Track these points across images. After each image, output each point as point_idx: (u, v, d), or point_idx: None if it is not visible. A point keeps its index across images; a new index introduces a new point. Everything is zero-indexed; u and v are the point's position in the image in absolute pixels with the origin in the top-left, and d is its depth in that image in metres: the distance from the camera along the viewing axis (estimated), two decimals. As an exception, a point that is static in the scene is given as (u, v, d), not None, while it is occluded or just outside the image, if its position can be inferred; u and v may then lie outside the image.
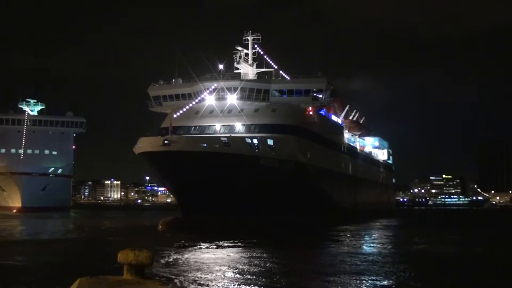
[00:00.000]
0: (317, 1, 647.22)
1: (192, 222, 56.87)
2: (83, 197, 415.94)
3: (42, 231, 59.68)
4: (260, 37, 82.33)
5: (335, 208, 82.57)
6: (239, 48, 79.74)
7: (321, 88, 76.72)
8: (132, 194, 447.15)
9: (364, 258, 34.08)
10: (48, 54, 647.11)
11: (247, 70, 79.63)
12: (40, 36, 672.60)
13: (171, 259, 31.47)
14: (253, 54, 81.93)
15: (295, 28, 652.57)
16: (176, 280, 23.68)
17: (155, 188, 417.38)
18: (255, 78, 79.05)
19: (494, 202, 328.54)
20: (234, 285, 22.85)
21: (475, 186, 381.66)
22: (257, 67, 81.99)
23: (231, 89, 73.19)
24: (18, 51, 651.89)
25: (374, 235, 58.91)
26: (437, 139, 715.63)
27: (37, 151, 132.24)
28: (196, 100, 73.56)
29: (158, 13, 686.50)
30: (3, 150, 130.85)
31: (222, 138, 62.37)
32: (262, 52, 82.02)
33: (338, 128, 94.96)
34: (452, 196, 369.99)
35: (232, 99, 73.02)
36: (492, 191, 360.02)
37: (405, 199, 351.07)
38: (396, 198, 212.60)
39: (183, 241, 43.19)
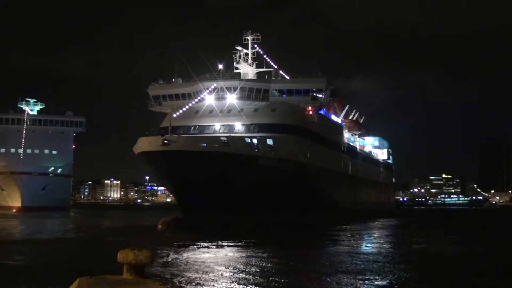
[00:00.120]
0: (317, 1, 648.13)
1: (192, 222, 56.88)
2: (82, 196, 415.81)
3: (41, 231, 59.64)
4: (259, 37, 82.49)
5: (335, 207, 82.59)
6: (239, 48, 79.78)
7: (321, 87, 76.72)
8: (132, 193, 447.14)
9: (364, 258, 34.08)
10: (48, 54, 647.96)
11: (247, 70, 79.64)
12: (40, 36, 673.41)
13: (170, 259, 31.46)
14: (253, 54, 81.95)
15: (295, 28, 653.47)
16: (175, 280, 23.67)
17: (155, 187, 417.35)
18: (255, 78, 79.05)
19: (494, 202, 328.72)
20: (234, 285, 22.83)
21: (475, 185, 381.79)
22: (257, 67, 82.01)
23: (230, 89, 73.19)
24: (18, 51, 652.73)
25: (374, 235, 58.92)
26: (437, 139, 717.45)
27: (36, 151, 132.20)
28: (196, 100, 73.57)
29: (158, 13, 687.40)
30: (2, 150, 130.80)
31: (221, 138, 62.36)
32: (261, 52, 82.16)
33: (338, 128, 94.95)
34: (452, 196, 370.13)
35: (232, 98, 73.02)
36: (492, 191, 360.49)
37: (405, 199, 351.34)
38: (396, 197, 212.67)
39: (182, 241, 43.18)
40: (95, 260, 30.18)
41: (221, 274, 25.77)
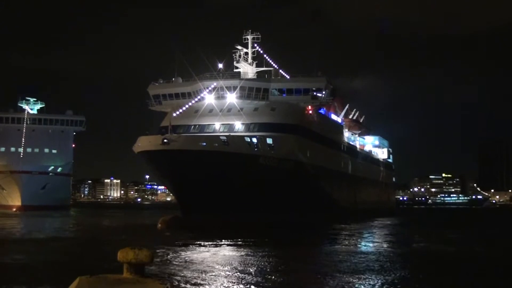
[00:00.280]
0: (317, 1, 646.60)
1: (192, 221, 56.90)
2: (82, 195, 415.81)
3: (41, 230, 59.67)
4: (259, 36, 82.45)
5: (335, 207, 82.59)
6: (239, 47, 79.74)
7: (321, 87, 76.72)
8: (132, 192, 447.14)
9: (364, 257, 34.07)
10: (48, 54, 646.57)
11: (247, 69, 79.63)
12: (40, 36, 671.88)
13: (170, 258, 31.47)
14: (253, 53, 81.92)
15: (295, 28, 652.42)
16: (175, 279, 23.68)
17: (155, 186, 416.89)
18: (255, 77, 79.03)
19: (493, 201, 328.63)
20: (233, 285, 22.84)
21: (475, 185, 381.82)
22: (257, 66, 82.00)
23: (230, 88, 73.17)
24: (18, 51, 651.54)
25: (374, 234, 58.89)
26: (437, 138, 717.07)
27: (36, 150, 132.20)
28: (196, 99, 73.55)
29: (158, 13, 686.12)
30: (2, 149, 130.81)
31: (221, 137, 62.36)
32: (261, 51, 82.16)
33: (338, 127, 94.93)
34: (451, 195, 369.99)
35: (232, 98, 73.00)
36: (492, 190, 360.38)
37: (405, 198, 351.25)
38: (396, 197, 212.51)
39: (182, 240, 43.20)
40: (95, 259, 30.19)
41: (221, 274, 25.77)
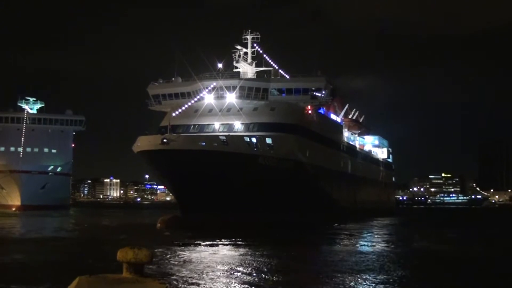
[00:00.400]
0: (317, 1, 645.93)
1: (191, 221, 56.89)
2: (82, 195, 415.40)
3: (41, 229, 59.64)
4: (259, 36, 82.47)
5: (335, 207, 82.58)
6: (238, 47, 79.76)
7: (320, 87, 76.74)
8: (132, 192, 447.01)
9: (364, 257, 34.06)
10: (48, 54, 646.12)
11: (246, 69, 79.64)
12: (40, 36, 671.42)
13: (169, 257, 31.46)
14: (252, 53, 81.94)
15: (295, 28, 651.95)
16: (174, 278, 23.66)
17: (154, 186, 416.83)
18: (254, 77, 79.05)
19: (493, 201, 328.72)
20: (232, 284, 22.83)
21: (474, 185, 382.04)
22: (256, 66, 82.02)
23: (230, 88, 73.20)
24: (18, 51, 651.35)
25: (373, 234, 58.93)
26: (437, 138, 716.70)
27: (36, 149, 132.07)
28: (195, 99, 73.59)
29: (158, 13, 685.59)
30: (2, 148, 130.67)
31: (220, 137, 62.36)
32: (261, 51, 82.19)
33: (337, 127, 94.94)
34: (451, 195, 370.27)
35: (231, 98, 73.01)
36: (491, 190, 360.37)
37: (405, 198, 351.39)
38: (396, 196, 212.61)
39: (182, 240, 43.19)
40: (95, 259, 30.17)
41: (220, 273, 25.76)
